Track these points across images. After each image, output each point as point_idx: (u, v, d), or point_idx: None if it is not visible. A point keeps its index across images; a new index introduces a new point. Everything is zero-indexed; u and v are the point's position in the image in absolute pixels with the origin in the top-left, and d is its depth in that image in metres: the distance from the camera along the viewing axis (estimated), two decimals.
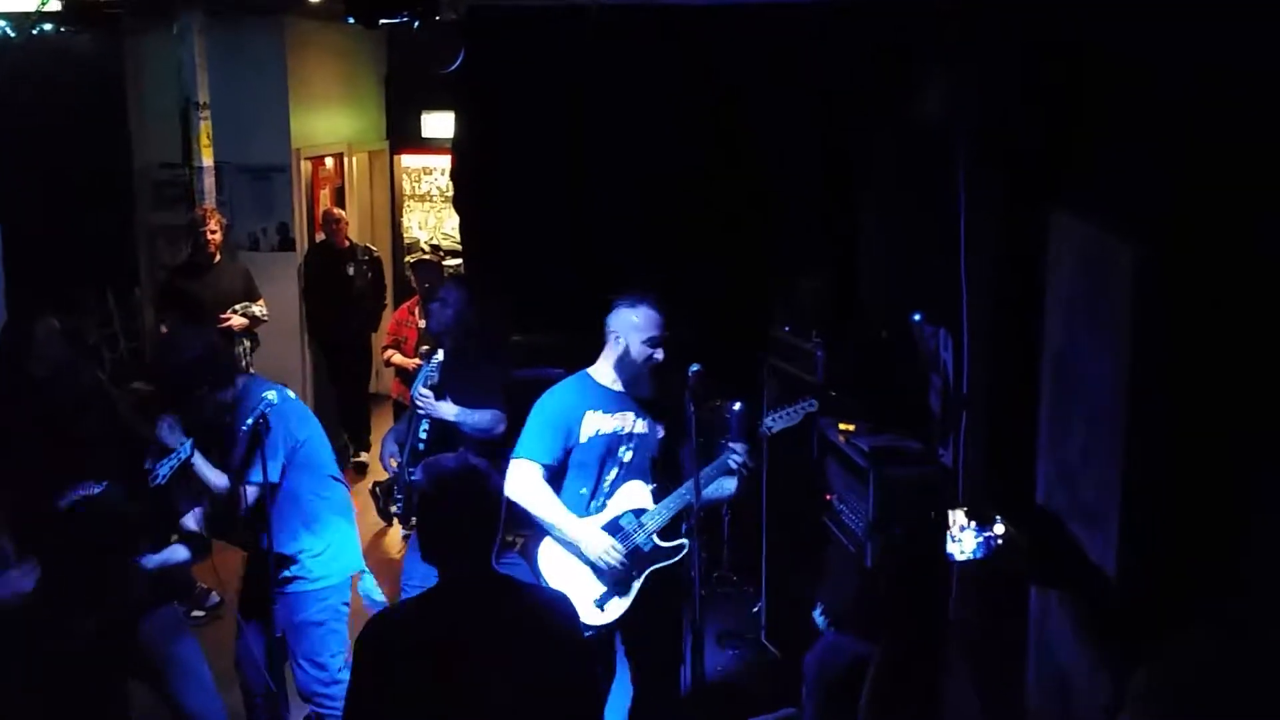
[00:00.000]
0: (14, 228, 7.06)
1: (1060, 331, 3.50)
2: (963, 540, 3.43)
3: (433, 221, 11.23)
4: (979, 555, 3.42)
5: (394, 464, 5.62)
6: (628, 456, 4.53)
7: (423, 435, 5.47)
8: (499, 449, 4.85)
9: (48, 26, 6.96)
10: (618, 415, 4.54)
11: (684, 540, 4.50)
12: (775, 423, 4.57)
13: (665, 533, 4.50)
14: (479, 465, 3.02)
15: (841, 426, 5.35)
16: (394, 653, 2.88)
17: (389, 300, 9.51)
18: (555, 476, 4.54)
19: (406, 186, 11.19)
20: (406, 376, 7.55)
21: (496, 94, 7.01)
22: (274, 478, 4.54)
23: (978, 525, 3.41)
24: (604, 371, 4.59)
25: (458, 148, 7.69)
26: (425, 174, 11.18)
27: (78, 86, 7.78)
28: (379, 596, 5.21)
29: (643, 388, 4.57)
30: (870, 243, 6.20)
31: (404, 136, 10.85)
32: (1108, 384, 3.03)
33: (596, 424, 4.51)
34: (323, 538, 4.79)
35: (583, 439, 4.50)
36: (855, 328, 5.85)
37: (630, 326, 4.51)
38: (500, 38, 6.77)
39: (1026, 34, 3.79)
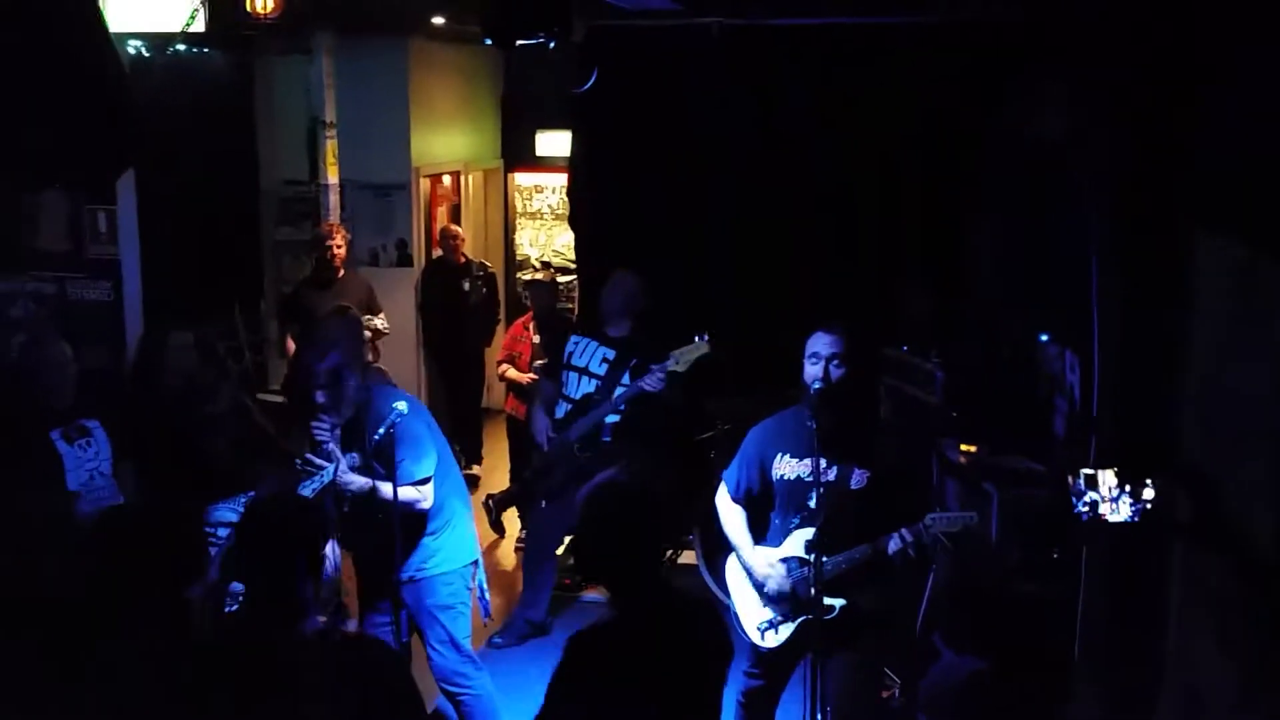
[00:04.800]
0: (151, 242, 7.30)
1: (1207, 357, 3.43)
2: (1117, 506, 3.36)
3: (543, 239, 11.36)
4: (1134, 520, 3.35)
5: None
6: (813, 503, 4.33)
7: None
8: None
9: (182, 47, 7.22)
10: (808, 460, 4.32)
11: (840, 601, 4.29)
12: (935, 524, 4.26)
13: (831, 587, 4.23)
14: (638, 485, 3.17)
15: (963, 448, 5.30)
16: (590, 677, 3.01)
17: (502, 316, 9.65)
18: (763, 502, 4.53)
19: (518, 204, 11.35)
20: (520, 391, 7.70)
21: (615, 113, 7.10)
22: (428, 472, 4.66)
23: (1130, 487, 3.34)
24: (806, 408, 4.38)
25: (574, 165, 7.80)
26: (536, 192, 11.32)
27: (209, 105, 8.02)
28: (488, 595, 5.31)
29: (823, 420, 4.24)
30: (994, 262, 6.14)
31: (518, 155, 11.02)
32: (1263, 410, 2.97)
33: (784, 469, 4.44)
34: (448, 524, 4.88)
35: (774, 478, 4.47)
36: (977, 348, 5.79)
37: (806, 349, 4.35)
38: (620, 57, 6.86)
39: (1165, 43, 3.73)
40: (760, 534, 4.57)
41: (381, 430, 4.64)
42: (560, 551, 6.84)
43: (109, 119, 4.36)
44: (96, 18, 4.35)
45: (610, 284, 6.18)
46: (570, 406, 6.03)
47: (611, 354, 5.96)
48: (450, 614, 4.85)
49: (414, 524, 4.75)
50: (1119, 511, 3.41)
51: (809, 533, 4.32)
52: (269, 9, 6.08)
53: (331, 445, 4.65)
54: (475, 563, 5.07)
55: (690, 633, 3.21)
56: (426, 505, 4.68)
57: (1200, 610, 3.48)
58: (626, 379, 5.87)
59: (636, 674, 3.04)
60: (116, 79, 4.38)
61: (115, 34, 4.61)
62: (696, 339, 5.64)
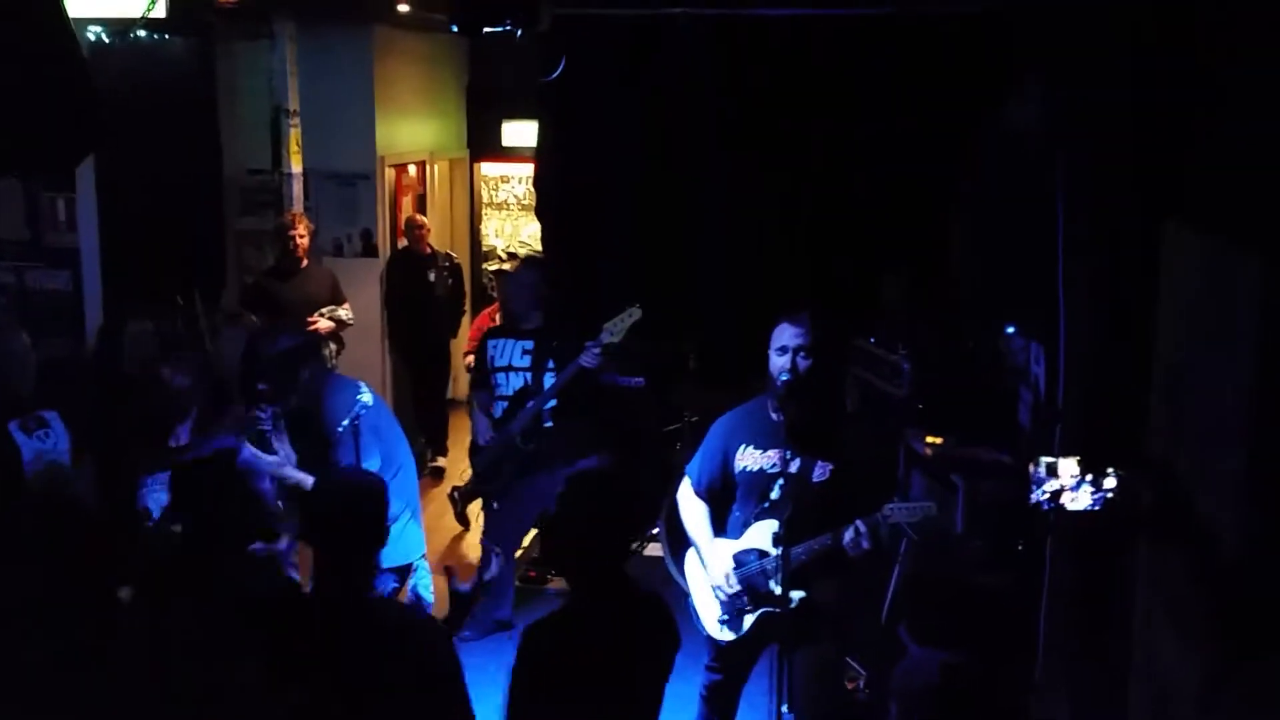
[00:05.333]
0: (111, 230, 7.20)
1: (1173, 348, 3.45)
2: (1077, 494, 3.36)
3: (509, 229, 11.32)
4: (1095, 508, 3.36)
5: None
6: (775, 495, 4.37)
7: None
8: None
9: (143, 33, 7.11)
10: (771, 452, 4.35)
11: (799, 594, 4.26)
12: (893, 514, 4.28)
13: (785, 579, 4.18)
14: (616, 474, 3.16)
15: (929, 439, 5.32)
16: (549, 668, 3.00)
17: (468, 307, 9.60)
18: (724, 495, 4.53)
19: (484, 194, 11.29)
20: None
21: (581, 103, 7.07)
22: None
23: (1092, 476, 3.35)
24: (770, 399, 4.41)
25: (540, 155, 7.75)
26: (503, 182, 11.28)
27: (171, 92, 7.90)
28: (428, 596, 5.32)
29: (788, 412, 4.29)
30: (961, 255, 6.16)
31: (484, 145, 10.96)
32: (1228, 403, 2.98)
33: (747, 460, 4.44)
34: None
35: (736, 470, 4.46)
36: (943, 340, 5.81)
37: (772, 340, 4.35)
38: (587, 47, 6.82)
39: (1131, 36, 3.74)
40: (721, 527, 4.57)
41: (345, 422, 4.63)
42: (527, 544, 6.83)
43: (68, 105, 4.29)
44: (54, 4, 4.28)
45: (510, 282, 6.31)
46: (507, 404, 6.05)
47: (529, 344, 6.02)
48: None
49: None
50: (1079, 500, 3.42)
51: (771, 524, 4.31)
52: None
53: (270, 433, 4.66)
54: (411, 567, 5.11)
55: (645, 626, 3.20)
56: None
57: (1162, 601, 3.50)
58: (551, 364, 5.93)
59: (592, 665, 3.02)
60: (75, 65, 4.30)
61: (75, 20, 4.53)
62: (628, 309, 5.65)
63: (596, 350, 5.69)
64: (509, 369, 6.04)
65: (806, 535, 4.25)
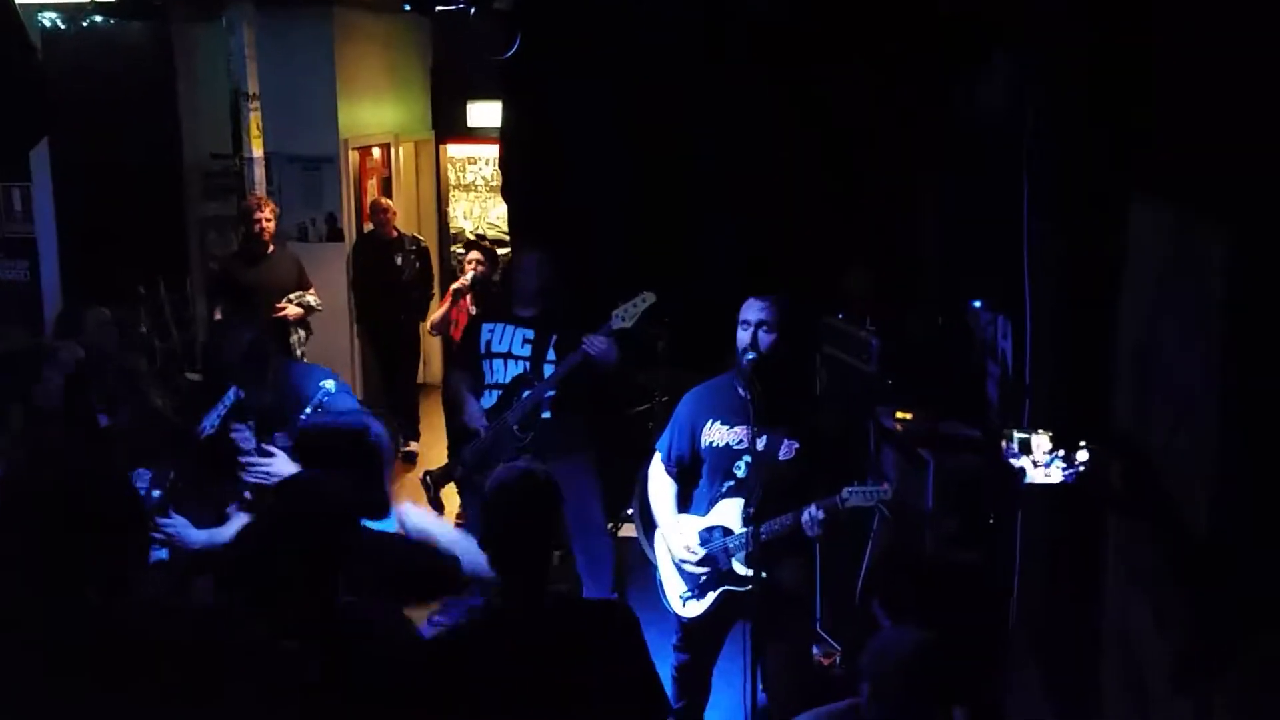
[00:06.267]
0: (68, 219, 7.11)
1: (1140, 323, 3.42)
2: (1049, 469, 3.35)
3: (477, 211, 11.24)
4: (1066, 482, 3.34)
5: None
6: (741, 472, 4.38)
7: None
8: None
9: (98, 18, 7.00)
10: (737, 428, 4.36)
11: (758, 572, 4.27)
12: (851, 498, 4.28)
13: (751, 559, 4.27)
14: (550, 478, 3.08)
15: (898, 415, 5.29)
16: (464, 671, 2.89)
17: (436, 290, 9.53)
18: (692, 471, 4.54)
19: (452, 176, 11.20)
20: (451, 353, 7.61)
21: (545, 82, 6.99)
22: None
23: (1064, 451, 3.33)
24: (737, 376, 4.42)
25: (505, 136, 7.68)
26: (470, 163, 11.19)
27: (128, 78, 7.81)
28: None
29: (755, 390, 4.27)
30: (928, 229, 6.13)
31: (450, 126, 10.88)
32: (1197, 377, 2.96)
33: (713, 436, 4.45)
34: None
35: (703, 445, 4.47)
36: (911, 315, 5.78)
37: (739, 318, 4.37)
38: (551, 25, 6.74)
39: (1097, 10, 3.71)
40: (687, 503, 4.58)
41: (308, 410, 4.55)
42: None
43: (14, 91, 4.21)
44: None
45: (520, 266, 6.05)
46: (500, 392, 5.86)
47: (530, 333, 5.80)
48: None
49: None
50: (1051, 475, 3.40)
51: (737, 502, 4.34)
52: None
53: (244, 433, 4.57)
54: None
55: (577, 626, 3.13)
56: None
57: (1132, 576, 3.49)
58: (552, 355, 5.78)
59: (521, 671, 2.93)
60: (21, 50, 4.21)
61: (24, 5, 4.44)
62: (641, 294, 5.52)
63: (604, 338, 5.46)
64: (507, 355, 5.85)
65: (772, 514, 4.26)
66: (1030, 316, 4.13)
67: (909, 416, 5.27)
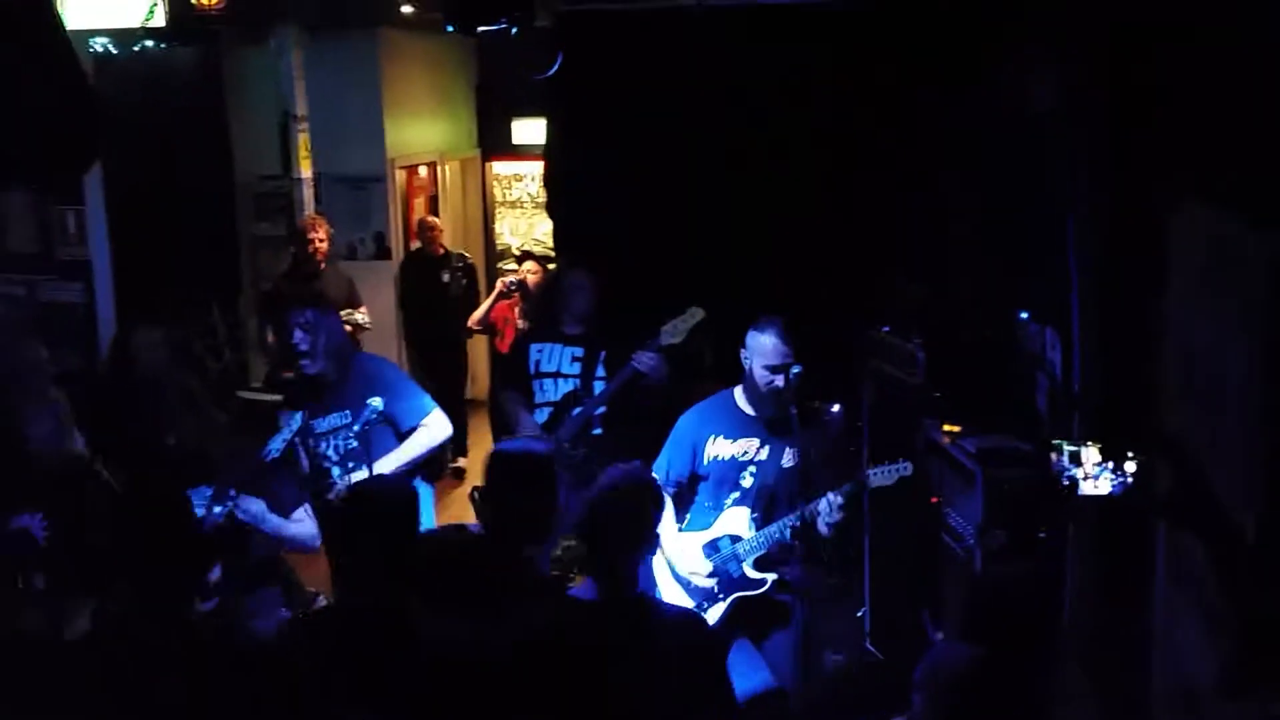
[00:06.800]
0: (122, 241, 7.21)
1: (1186, 326, 3.38)
2: (1098, 481, 3.34)
3: (524, 227, 11.29)
4: (1115, 494, 3.33)
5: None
6: (747, 482, 4.58)
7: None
8: None
9: (148, 43, 7.11)
10: (741, 441, 4.59)
11: (771, 576, 4.56)
12: (874, 477, 4.46)
13: (762, 563, 4.55)
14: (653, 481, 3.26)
15: (946, 428, 5.25)
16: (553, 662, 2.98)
17: None
18: (688, 490, 4.69)
19: (498, 193, 11.26)
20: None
21: (590, 99, 7.01)
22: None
23: (1113, 463, 3.32)
24: (740, 392, 4.66)
25: (550, 153, 7.70)
26: (516, 180, 11.25)
27: (178, 101, 7.93)
28: None
29: (769, 412, 4.55)
30: (974, 241, 6.07)
31: (495, 144, 10.94)
32: (1243, 382, 2.91)
33: (718, 450, 4.61)
34: None
35: (706, 461, 4.61)
36: (958, 328, 5.73)
37: (756, 349, 4.54)
38: (594, 42, 6.76)
39: (1140, 16, 3.67)
40: (681, 521, 4.70)
41: (357, 427, 4.67)
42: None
43: (68, 115, 4.28)
44: (51, 14, 4.26)
45: (563, 286, 6.05)
46: (551, 410, 5.87)
47: (579, 351, 5.82)
48: None
49: None
50: (1100, 486, 3.38)
51: (744, 511, 4.56)
52: (214, 1, 6.00)
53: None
54: None
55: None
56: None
57: (1182, 587, 3.44)
58: (601, 371, 5.79)
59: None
60: (73, 75, 4.28)
61: (76, 31, 4.53)
62: (689, 309, 5.54)
63: (653, 355, 5.49)
64: (557, 375, 5.87)
65: (781, 515, 4.49)
66: (1077, 327, 4.09)
67: (957, 429, 5.22)
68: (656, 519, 3.27)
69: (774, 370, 4.47)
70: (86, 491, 4.50)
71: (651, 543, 3.25)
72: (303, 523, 4.68)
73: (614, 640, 3.00)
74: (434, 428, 5.09)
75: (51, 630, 3.78)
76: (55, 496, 4.38)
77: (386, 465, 4.92)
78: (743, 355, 4.60)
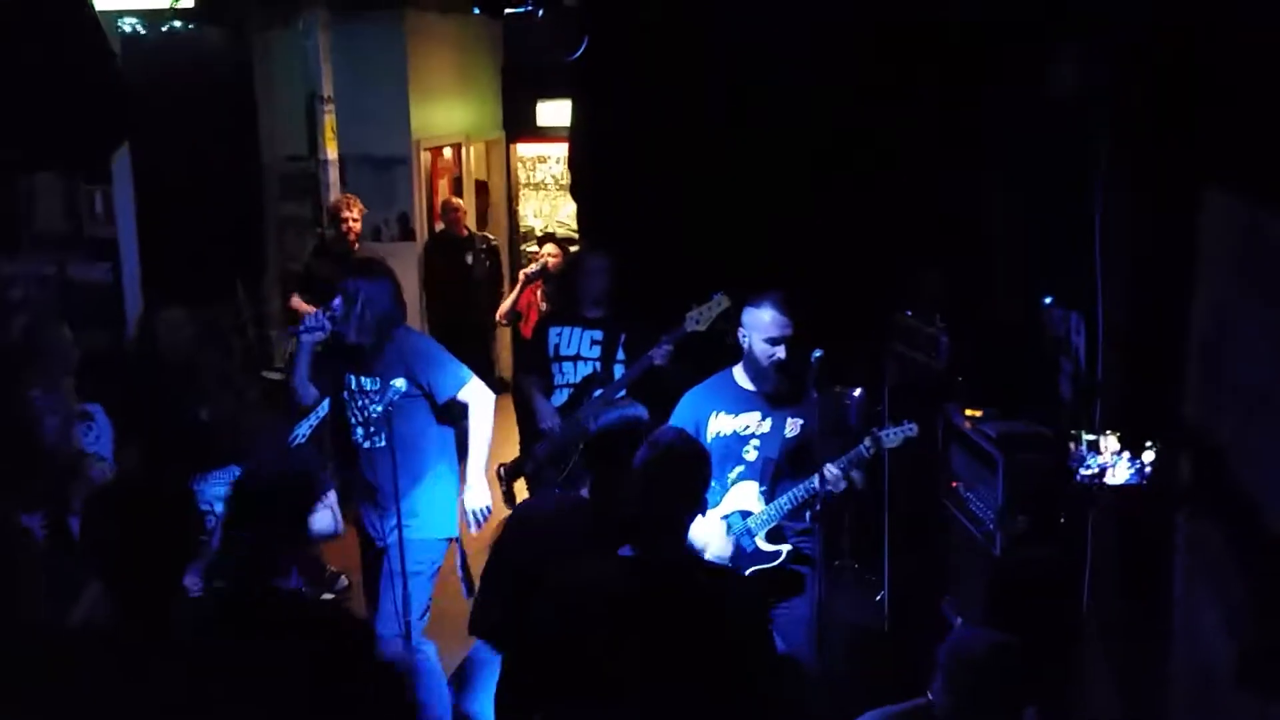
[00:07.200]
0: (149, 221, 7.25)
1: (1212, 318, 3.37)
2: (1116, 469, 3.34)
3: (547, 209, 11.31)
4: (1134, 482, 3.34)
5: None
6: (751, 455, 4.60)
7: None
8: None
9: (176, 24, 7.16)
10: (743, 416, 4.62)
11: (786, 546, 4.58)
12: (886, 438, 4.51)
13: (773, 534, 4.58)
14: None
15: (968, 412, 5.24)
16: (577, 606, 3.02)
17: (505, 288, 9.61)
18: None
19: (521, 175, 11.28)
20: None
21: (615, 81, 7.00)
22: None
23: (1131, 452, 3.32)
24: (739, 369, 4.68)
25: (574, 135, 7.71)
26: (540, 162, 11.26)
27: (206, 82, 7.96)
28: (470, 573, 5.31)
29: (770, 385, 4.59)
30: (998, 225, 6.05)
31: (519, 126, 10.95)
32: (1268, 372, 2.90)
33: (719, 426, 4.62)
34: (435, 482, 5.04)
35: (709, 438, 4.59)
36: (981, 312, 5.72)
37: (755, 324, 4.57)
38: (620, 24, 6.75)
39: (1173, 6, 3.65)
40: None
41: (380, 409, 4.69)
42: None
43: (97, 96, 4.33)
44: None
45: (583, 269, 6.08)
46: (571, 391, 5.90)
47: (599, 334, 5.86)
48: (417, 580, 4.88)
49: (414, 463, 4.91)
50: (1118, 474, 3.39)
51: (752, 484, 4.58)
52: None
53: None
54: (453, 540, 5.10)
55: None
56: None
57: (1202, 574, 3.44)
58: (621, 354, 5.82)
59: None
60: (102, 55, 4.33)
61: (104, 12, 4.56)
62: (714, 296, 5.54)
63: (668, 347, 5.47)
64: (576, 358, 5.91)
65: (788, 485, 4.52)
66: (1102, 313, 4.08)
67: (979, 414, 5.22)
68: (709, 478, 3.24)
69: (774, 342, 4.50)
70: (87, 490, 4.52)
71: (704, 502, 3.23)
72: (324, 514, 4.67)
73: (675, 598, 2.99)
74: (476, 400, 5.06)
75: (54, 626, 3.79)
76: (56, 494, 4.41)
77: (476, 469, 5.03)
78: (740, 335, 4.62)
